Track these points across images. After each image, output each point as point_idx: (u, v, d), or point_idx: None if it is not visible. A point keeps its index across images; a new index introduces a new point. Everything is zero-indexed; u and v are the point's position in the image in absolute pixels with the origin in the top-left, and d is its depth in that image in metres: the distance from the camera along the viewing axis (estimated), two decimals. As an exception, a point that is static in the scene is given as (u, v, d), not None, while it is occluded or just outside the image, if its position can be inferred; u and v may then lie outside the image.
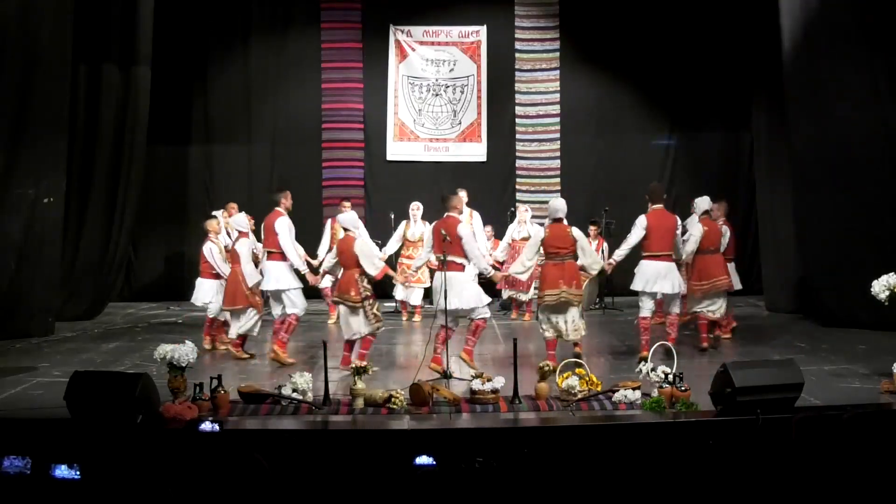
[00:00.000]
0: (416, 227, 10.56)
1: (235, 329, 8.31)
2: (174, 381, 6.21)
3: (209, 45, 12.82)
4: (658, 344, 7.33)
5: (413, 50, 12.97)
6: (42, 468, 4.84)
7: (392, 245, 10.59)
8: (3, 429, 5.50)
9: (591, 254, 7.83)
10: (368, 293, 7.55)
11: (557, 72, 12.95)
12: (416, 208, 10.65)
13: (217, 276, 8.77)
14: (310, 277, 8.33)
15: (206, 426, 5.37)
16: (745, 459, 5.14)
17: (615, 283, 11.14)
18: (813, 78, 9.44)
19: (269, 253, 8.28)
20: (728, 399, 5.61)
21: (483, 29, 13.00)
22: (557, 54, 12.95)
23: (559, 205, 7.77)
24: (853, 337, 8.83)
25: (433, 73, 13.00)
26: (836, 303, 9.55)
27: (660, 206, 8.05)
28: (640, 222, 7.93)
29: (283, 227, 8.12)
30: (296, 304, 8.16)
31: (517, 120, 13.01)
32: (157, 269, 12.83)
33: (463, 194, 9.25)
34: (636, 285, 8.04)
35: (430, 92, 13.01)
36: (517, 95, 12.99)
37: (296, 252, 8.22)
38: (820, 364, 7.60)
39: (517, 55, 12.98)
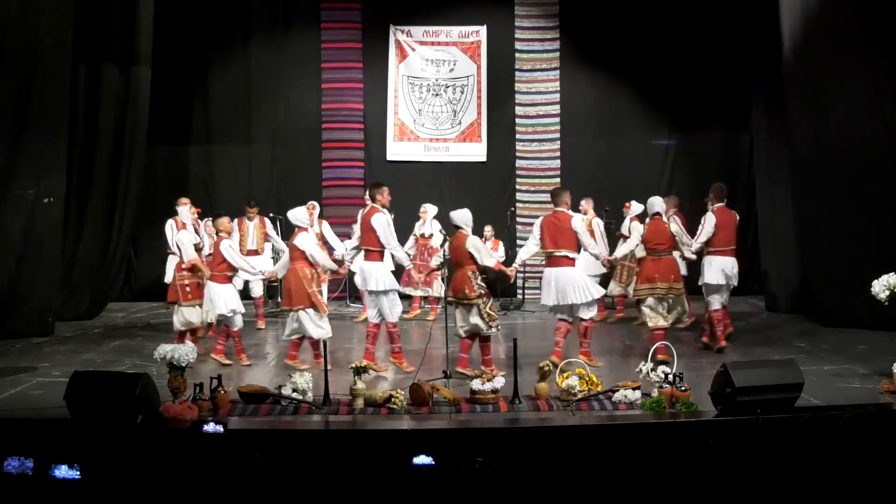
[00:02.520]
0: (425, 227, 10.61)
1: (313, 333, 7.75)
2: (174, 381, 6.22)
3: (209, 45, 12.82)
4: (659, 343, 7.34)
5: (413, 50, 12.97)
6: (42, 468, 4.84)
7: (410, 246, 10.58)
8: (3, 429, 5.50)
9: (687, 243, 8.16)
10: (483, 291, 7.42)
11: (557, 72, 12.95)
12: (424, 211, 10.74)
13: (230, 279, 8.28)
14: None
15: (207, 427, 5.37)
16: (744, 459, 5.14)
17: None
18: (813, 78, 9.44)
19: (366, 252, 7.84)
20: (728, 399, 5.61)
21: (483, 29, 13.00)
22: (557, 54, 12.95)
23: (657, 201, 8.10)
24: (853, 337, 8.83)
25: (433, 73, 13.00)
26: (836, 303, 9.55)
27: (722, 203, 8.49)
28: (710, 219, 8.37)
29: (382, 223, 7.70)
30: (394, 308, 7.74)
31: (517, 120, 13.00)
32: (157, 269, 12.74)
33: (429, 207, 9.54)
34: (710, 279, 8.36)
35: (430, 92, 13.00)
36: (517, 95, 12.98)
37: (401, 249, 7.92)
38: (820, 364, 7.60)
39: (517, 55, 12.97)
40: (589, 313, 7.72)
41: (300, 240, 7.87)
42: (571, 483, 5.00)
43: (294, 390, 6.35)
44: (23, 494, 4.79)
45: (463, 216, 7.67)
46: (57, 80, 9.62)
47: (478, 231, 10.93)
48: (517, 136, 13.00)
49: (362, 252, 8.10)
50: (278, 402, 6.33)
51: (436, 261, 8.13)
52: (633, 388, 6.36)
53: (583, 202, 10.44)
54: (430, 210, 10.80)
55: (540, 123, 12.97)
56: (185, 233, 8.60)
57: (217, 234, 8.29)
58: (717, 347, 8.28)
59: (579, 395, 6.35)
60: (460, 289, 7.40)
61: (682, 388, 6.09)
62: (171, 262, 9.26)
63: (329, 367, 6.69)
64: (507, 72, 12.99)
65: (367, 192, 8.06)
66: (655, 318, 8.00)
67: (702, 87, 12.64)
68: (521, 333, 8.78)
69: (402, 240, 9.84)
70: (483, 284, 7.45)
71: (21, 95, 9.25)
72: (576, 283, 7.62)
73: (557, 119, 12.96)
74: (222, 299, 8.04)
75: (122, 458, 5.07)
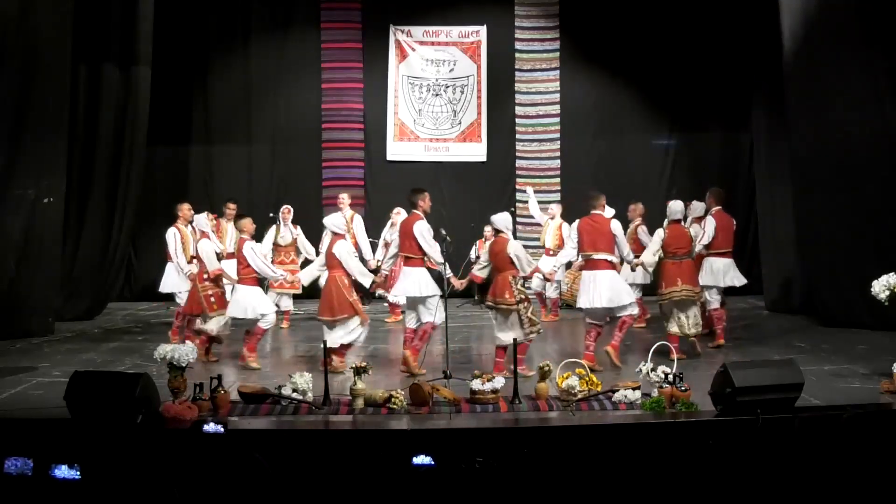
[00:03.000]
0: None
1: (337, 339, 7.61)
2: (174, 381, 6.21)
3: (209, 45, 12.82)
4: (658, 343, 7.33)
5: (413, 50, 12.97)
6: (42, 468, 4.84)
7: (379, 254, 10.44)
8: (3, 429, 5.50)
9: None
10: (523, 296, 7.38)
11: (557, 72, 12.95)
12: (397, 212, 10.37)
13: (258, 281, 8.05)
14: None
15: (207, 427, 5.37)
16: (745, 459, 5.14)
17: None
18: (813, 78, 9.43)
19: (406, 258, 7.71)
20: (728, 399, 5.61)
21: (483, 29, 13.00)
22: (557, 54, 12.95)
23: (678, 206, 8.18)
24: (853, 337, 8.83)
25: (433, 73, 13.00)
26: (836, 303, 9.55)
27: (720, 207, 8.76)
28: (711, 223, 8.59)
29: (425, 231, 7.60)
30: (434, 312, 7.60)
31: (517, 120, 13.01)
32: (157, 269, 12.78)
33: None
34: (708, 280, 8.57)
35: (430, 92, 13.01)
36: (517, 95, 12.99)
37: (440, 256, 7.66)
38: (820, 364, 7.59)
39: (517, 55, 12.97)
40: (629, 311, 7.77)
41: (338, 248, 7.67)
42: (571, 483, 5.00)
43: (294, 390, 6.35)
44: (23, 494, 4.79)
45: (504, 220, 7.62)
46: (57, 80, 9.62)
47: (478, 231, 10.99)
48: (517, 136, 13.00)
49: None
50: (278, 402, 6.33)
51: (390, 262, 8.10)
52: (633, 388, 6.36)
53: (551, 207, 10.69)
54: (403, 214, 10.65)
55: (540, 123, 12.97)
56: (206, 242, 8.39)
57: (240, 235, 8.07)
58: (714, 344, 8.40)
59: (579, 395, 6.34)
60: (500, 293, 7.35)
61: (682, 388, 6.09)
62: (170, 271, 9.18)
63: (329, 367, 6.70)
64: (507, 72, 12.99)
65: (408, 199, 7.94)
66: (677, 325, 8.04)
67: (702, 87, 12.64)
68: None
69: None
70: (524, 290, 7.46)
71: (21, 95, 9.24)
72: (613, 288, 7.63)
73: (557, 119, 12.96)
74: (250, 304, 7.83)
75: (122, 458, 5.07)
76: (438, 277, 7.61)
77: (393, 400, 6.18)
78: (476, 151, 13.02)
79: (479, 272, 7.72)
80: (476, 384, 6.40)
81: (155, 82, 11.33)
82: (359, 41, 12.91)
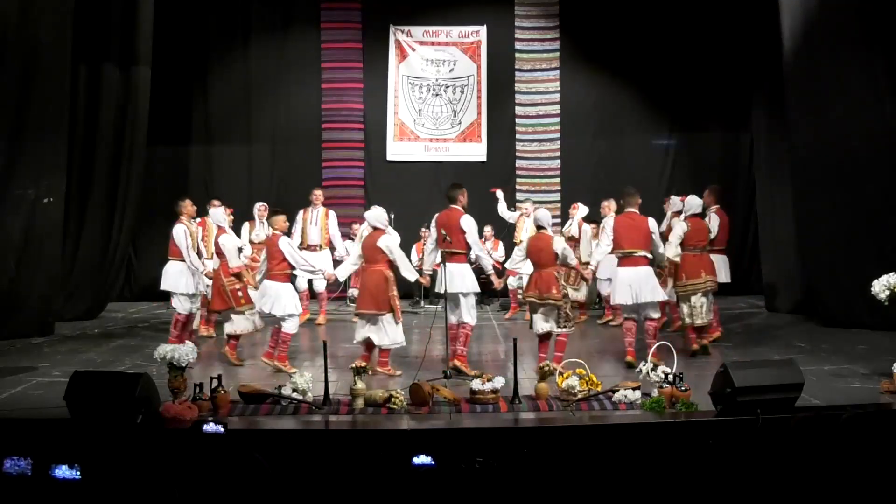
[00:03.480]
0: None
1: (384, 341, 7.47)
2: (174, 381, 6.22)
3: (209, 45, 12.83)
4: (658, 343, 7.33)
5: (413, 50, 12.97)
6: (42, 468, 4.84)
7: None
8: (3, 429, 5.50)
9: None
10: (566, 291, 7.46)
11: (557, 72, 12.96)
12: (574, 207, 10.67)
13: (290, 278, 7.84)
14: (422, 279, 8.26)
15: (207, 427, 5.37)
16: (745, 459, 5.14)
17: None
18: (813, 78, 9.43)
19: (451, 254, 7.55)
20: (728, 399, 5.61)
21: (483, 29, 13.01)
22: (557, 54, 12.96)
23: (696, 201, 8.43)
24: (853, 337, 8.83)
25: (433, 73, 13.01)
26: (836, 303, 9.55)
27: (719, 205, 9.05)
28: (716, 220, 8.88)
29: (473, 225, 7.55)
30: (472, 311, 7.61)
31: (517, 120, 13.01)
32: (157, 269, 12.76)
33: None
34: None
35: (430, 92, 13.01)
36: (517, 95, 12.99)
37: (486, 251, 7.72)
38: (820, 364, 7.59)
39: (517, 55, 12.98)
40: (656, 314, 7.86)
41: (384, 241, 7.53)
42: (571, 483, 5.00)
43: (294, 390, 6.35)
44: (23, 494, 4.79)
45: (546, 216, 7.69)
46: (57, 80, 9.62)
47: (478, 231, 10.96)
48: (517, 136, 13.01)
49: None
50: (278, 402, 6.33)
51: (432, 258, 7.94)
52: (633, 388, 6.36)
53: (525, 205, 10.68)
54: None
55: (540, 123, 12.98)
56: (227, 237, 8.32)
57: (273, 231, 7.91)
58: (711, 338, 8.50)
59: (579, 395, 6.34)
60: (547, 289, 7.36)
61: (682, 388, 6.09)
62: (170, 269, 8.73)
63: (329, 367, 6.69)
64: (507, 72, 13.00)
65: (447, 194, 7.87)
66: (694, 316, 8.15)
67: (702, 87, 12.65)
68: (521, 333, 8.77)
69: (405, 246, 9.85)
70: (566, 286, 7.51)
71: (21, 95, 9.24)
72: (650, 283, 7.76)
73: (557, 119, 12.97)
74: (280, 300, 7.64)
75: (122, 458, 5.06)
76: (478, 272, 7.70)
77: (393, 400, 6.18)
78: (476, 151, 13.02)
79: (515, 266, 7.73)
80: (476, 384, 6.40)
81: (155, 82, 11.34)
82: (359, 41, 12.92)
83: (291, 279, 7.94)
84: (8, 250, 9.29)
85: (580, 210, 10.37)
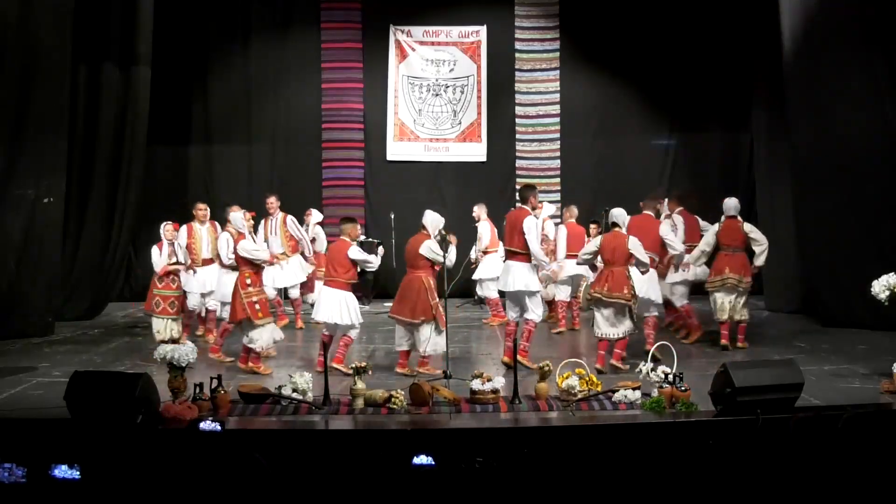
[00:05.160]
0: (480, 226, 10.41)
1: (426, 346, 7.40)
2: (174, 381, 6.22)
3: (209, 45, 12.82)
4: (658, 343, 7.34)
5: (413, 50, 12.97)
6: (41, 470, 4.84)
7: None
8: (3, 429, 5.50)
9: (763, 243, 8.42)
10: (634, 290, 7.56)
11: (557, 72, 12.95)
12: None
13: (351, 287, 7.68)
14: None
15: (207, 426, 5.37)
16: (745, 459, 5.14)
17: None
18: (813, 78, 9.44)
19: (512, 253, 7.69)
20: (728, 399, 5.61)
21: (483, 29, 13.00)
22: (557, 54, 12.95)
23: (733, 203, 8.62)
24: (853, 337, 8.83)
25: (433, 73, 13.00)
26: (836, 303, 9.55)
27: (682, 208, 9.27)
28: (682, 222, 9.12)
29: (533, 227, 7.58)
30: (537, 309, 7.71)
31: (517, 120, 13.01)
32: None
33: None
34: (675, 277, 8.85)
35: (430, 92, 13.00)
36: (517, 95, 12.99)
37: (542, 253, 7.77)
38: (820, 364, 7.60)
39: (517, 55, 12.97)
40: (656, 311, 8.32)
41: (426, 248, 7.49)
42: (571, 483, 5.00)
43: (294, 390, 6.35)
44: (23, 494, 4.79)
45: (621, 214, 7.81)
46: (57, 80, 9.62)
47: (474, 231, 10.94)
48: (517, 136, 13.00)
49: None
50: (278, 402, 6.33)
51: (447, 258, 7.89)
52: (633, 388, 6.36)
53: (475, 208, 10.58)
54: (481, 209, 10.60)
55: (540, 123, 12.98)
56: (246, 242, 7.88)
57: (342, 238, 7.80)
58: (693, 339, 8.74)
59: (579, 395, 6.34)
60: (619, 288, 7.46)
61: (682, 388, 6.09)
62: (192, 277, 8.94)
63: (329, 367, 6.70)
64: (507, 72, 12.99)
65: (520, 192, 8.09)
66: (722, 311, 8.35)
67: (702, 87, 12.65)
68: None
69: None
70: (633, 285, 7.59)
71: (21, 96, 9.24)
72: (657, 282, 8.22)
73: (557, 119, 12.96)
74: (346, 309, 7.52)
75: (122, 458, 5.06)
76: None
77: (393, 400, 6.19)
78: (476, 151, 13.02)
79: (585, 260, 7.88)
80: (476, 384, 6.40)
81: (155, 82, 11.33)
82: (359, 41, 12.91)
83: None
84: (8, 250, 9.29)
85: (545, 209, 10.26)
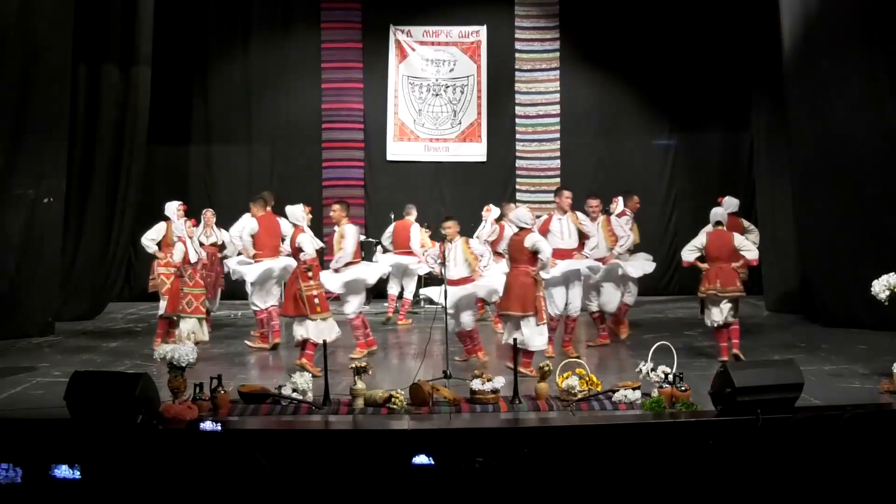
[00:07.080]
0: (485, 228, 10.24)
1: (534, 343, 7.30)
2: (174, 381, 6.22)
3: (209, 45, 12.81)
4: (658, 343, 7.33)
5: (413, 50, 12.97)
6: (40, 469, 4.83)
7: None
8: (3, 429, 5.50)
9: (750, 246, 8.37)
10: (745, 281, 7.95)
11: (557, 72, 12.94)
12: (487, 210, 10.35)
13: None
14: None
15: (207, 426, 5.37)
16: (745, 459, 5.14)
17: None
18: (813, 78, 9.43)
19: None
20: (728, 399, 5.61)
21: (483, 29, 13.00)
22: (557, 54, 12.94)
23: (733, 201, 9.07)
24: (853, 337, 8.83)
25: (433, 73, 13.00)
26: (836, 303, 9.55)
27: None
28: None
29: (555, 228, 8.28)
30: (577, 304, 8.30)
31: (517, 120, 13.00)
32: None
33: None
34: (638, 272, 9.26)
35: (430, 92, 13.00)
36: (517, 95, 12.98)
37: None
38: (820, 364, 7.60)
39: (517, 55, 12.97)
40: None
41: (530, 240, 7.38)
42: (571, 483, 5.00)
43: (294, 390, 6.35)
44: (23, 494, 4.79)
45: (722, 213, 8.17)
46: (57, 80, 9.61)
47: (472, 231, 10.93)
48: (517, 136, 12.99)
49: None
50: (278, 402, 6.33)
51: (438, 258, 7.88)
52: (633, 388, 6.36)
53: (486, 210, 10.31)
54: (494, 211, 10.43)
55: (540, 123, 12.97)
56: (305, 236, 7.90)
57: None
58: (601, 343, 8.88)
59: (579, 395, 6.35)
60: (731, 282, 7.81)
61: (682, 388, 6.09)
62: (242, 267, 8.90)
63: (329, 367, 6.69)
64: (507, 72, 12.98)
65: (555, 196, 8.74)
66: (719, 314, 8.14)
67: (702, 87, 12.64)
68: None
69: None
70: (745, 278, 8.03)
71: (21, 96, 9.24)
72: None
73: (557, 119, 12.95)
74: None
75: (122, 458, 5.07)
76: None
77: (393, 400, 6.18)
78: (476, 151, 13.02)
79: (686, 257, 8.09)
80: (476, 384, 6.40)
81: (155, 82, 11.33)
82: (359, 41, 12.90)
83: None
84: (8, 250, 9.29)
85: (493, 212, 10.17)
